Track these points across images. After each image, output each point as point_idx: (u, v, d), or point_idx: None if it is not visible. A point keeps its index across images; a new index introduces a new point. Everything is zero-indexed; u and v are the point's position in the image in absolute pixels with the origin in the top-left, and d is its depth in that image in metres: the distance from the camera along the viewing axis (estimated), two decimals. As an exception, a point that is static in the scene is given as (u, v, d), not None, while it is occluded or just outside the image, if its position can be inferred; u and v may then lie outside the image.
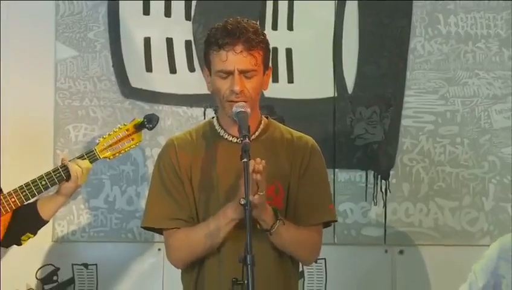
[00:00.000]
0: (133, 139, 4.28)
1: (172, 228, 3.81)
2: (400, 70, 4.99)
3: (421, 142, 4.99)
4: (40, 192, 4.14)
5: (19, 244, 4.23)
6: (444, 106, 4.98)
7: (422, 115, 4.99)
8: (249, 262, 3.28)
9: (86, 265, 4.92)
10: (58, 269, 4.90)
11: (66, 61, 4.93)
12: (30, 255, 4.69)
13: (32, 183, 4.11)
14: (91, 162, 4.21)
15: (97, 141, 4.25)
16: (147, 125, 4.25)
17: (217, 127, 3.84)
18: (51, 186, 4.15)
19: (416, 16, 5.00)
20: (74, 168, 4.15)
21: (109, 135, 4.25)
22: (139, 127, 4.25)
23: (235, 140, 3.76)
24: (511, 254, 4.03)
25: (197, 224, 3.79)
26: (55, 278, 4.90)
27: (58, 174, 4.15)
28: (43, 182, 4.13)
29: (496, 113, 4.99)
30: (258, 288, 3.29)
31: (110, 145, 4.24)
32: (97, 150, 4.22)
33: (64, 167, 4.15)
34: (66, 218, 4.86)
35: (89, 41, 4.93)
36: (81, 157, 4.20)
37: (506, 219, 4.89)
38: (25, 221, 4.19)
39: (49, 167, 4.53)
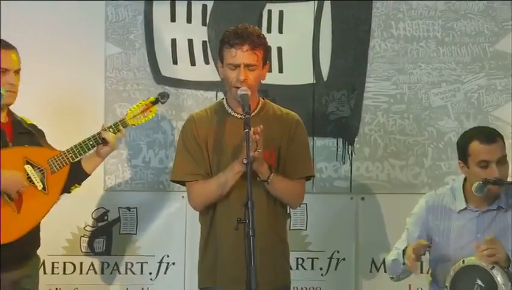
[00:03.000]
0: (150, 111, 4.29)
1: (192, 181, 3.93)
2: (363, 63, 5.04)
3: (378, 117, 5.05)
4: (89, 149, 4.13)
5: (69, 192, 4.24)
6: (395, 90, 5.04)
7: (379, 96, 5.04)
8: (249, 206, 3.42)
9: (128, 208, 4.95)
10: (108, 211, 4.95)
11: (113, 56, 4.97)
12: (87, 200, 4.81)
13: (82, 143, 4.10)
14: (124, 127, 4.22)
15: (125, 113, 4.26)
16: (161, 100, 4.30)
17: (226, 106, 3.97)
18: (96, 145, 4.15)
19: (374, 22, 5.05)
20: (110, 135, 4.15)
21: (134, 108, 4.27)
22: (154, 102, 4.29)
23: (239, 116, 3.88)
24: (436, 210, 4.13)
25: (211, 178, 3.90)
26: (105, 217, 4.95)
27: (100, 137, 4.13)
28: (91, 142, 4.12)
29: (433, 95, 5.04)
30: (256, 225, 3.42)
31: (135, 116, 4.24)
32: (127, 119, 4.23)
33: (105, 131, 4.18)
34: (114, 173, 4.94)
35: (130, 41, 4.97)
36: (116, 125, 4.20)
37: (441, 174, 4.99)
38: (74, 175, 4.18)
39: (101, 137, 4.79)
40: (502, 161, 3.91)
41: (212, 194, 3.87)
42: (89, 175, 4.25)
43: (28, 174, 3.97)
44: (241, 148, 3.69)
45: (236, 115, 3.92)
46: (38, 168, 4.00)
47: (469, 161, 3.96)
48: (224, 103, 3.98)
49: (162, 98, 4.30)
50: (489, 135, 3.93)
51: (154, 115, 4.30)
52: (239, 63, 3.80)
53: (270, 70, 4.86)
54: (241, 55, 3.79)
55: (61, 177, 4.07)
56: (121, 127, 4.18)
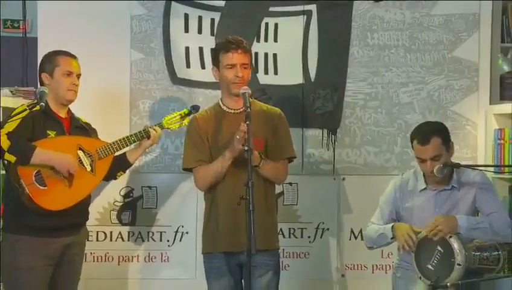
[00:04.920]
0: (184, 120, 4.59)
1: (196, 166, 4.12)
2: (343, 67, 5.10)
3: (356, 112, 5.14)
4: (131, 143, 4.43)
5: (115, 178, 4.55)
6: (370, 89, 5.14)
7: (357, 94, 5.11)
8: (250, 185, 3.59)
9: (149, 187, 5.03)
10: (133, 189, 5.05)
11: (137, 61, 5.04)
12: (116, 181, 4.66)
13: (126, 138, 4.40)
14: (161, 129, 4.54)
15: (163, 118, 4.56)
16: (192, 112, 4.57)
17: (221, 105, 4.19)
18: (137, 141, 4.45)
19: (353, 33, 5.12)
20: (153, 132, 4.46)
21: (170, 115, 4.58)
22: (188, 113, 4.59)
23: (233, 112, 4.11)
24: (403, 190, 4.23)
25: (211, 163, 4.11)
26: (131, 195, 5.04)
27: (141, 134, 4.47)
28: (133, 138, 4.43)
29: (402, 93, 5.13)
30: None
31: (172, 122, 4.58)
32: (164, 123, 4.56)
33: (145, 131, 4.47)
34: (138, 158, 4.76)
35: (151, 49, 5.05)
36: (155, 126, 4.51)
37: (408, 159, 5.02)
38: (120, 164, 4.46)
39: (127, 128, 4.93)
40: (436, 158, 4.05)
41: (211, 176, 4.06)
42: (131, 164, 4.53)
43: (79, 158, 4.19)
44: (233, 138, 3.86)
45: (231, 111, 4.13)
46: (88, 154, 4.24)
47: (414, 152, 4.22)
48: (220, 103, 4.18)
49: (193, 109, 4.56)
50: (424, 137, 4.03)
51: (186, 124, 4.48)
52: (236, 63, 4.02)
53: (267, 73, 5.11)
54: (237, 56, 4.03)
55: (106, 163, 4.30)
56: (158, 128, 4.48)
